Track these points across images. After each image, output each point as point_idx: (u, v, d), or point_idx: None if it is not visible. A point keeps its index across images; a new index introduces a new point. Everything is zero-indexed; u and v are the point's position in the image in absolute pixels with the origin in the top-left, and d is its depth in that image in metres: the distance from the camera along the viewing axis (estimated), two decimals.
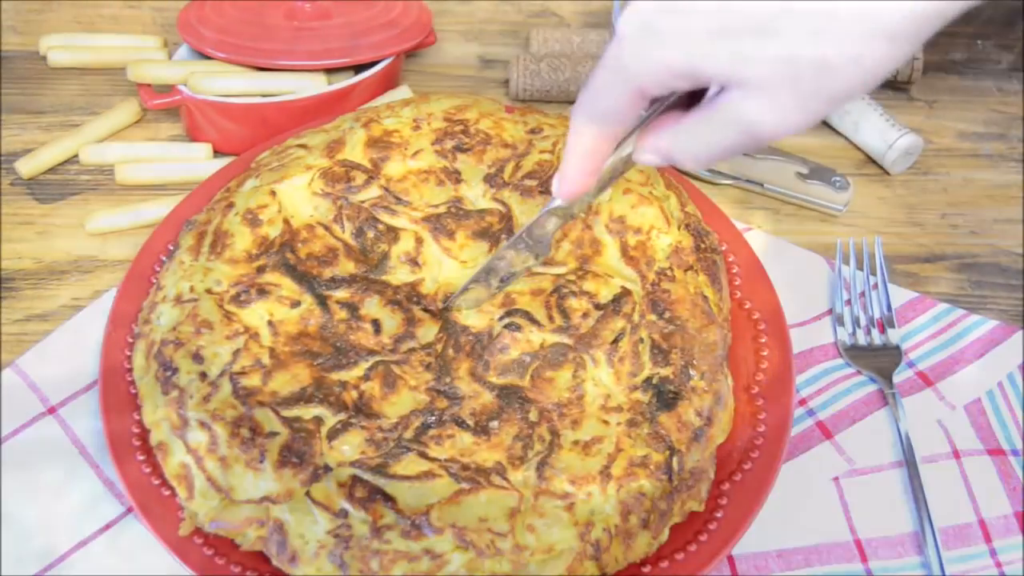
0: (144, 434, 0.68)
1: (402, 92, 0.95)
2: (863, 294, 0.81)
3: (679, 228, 0.77)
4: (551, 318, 0.72)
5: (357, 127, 0.83)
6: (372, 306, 0.73)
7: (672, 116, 0.58)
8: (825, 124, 0.99)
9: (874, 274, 0.82)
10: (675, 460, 0.65)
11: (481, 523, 0.61)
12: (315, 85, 0.91)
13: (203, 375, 0.68)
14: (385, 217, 0.78)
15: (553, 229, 0.70)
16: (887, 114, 0.95)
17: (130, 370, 0.71)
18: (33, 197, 0.90)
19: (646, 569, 0.63)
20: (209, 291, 0.73)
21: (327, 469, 0.64)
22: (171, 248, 0.79)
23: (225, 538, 0.63)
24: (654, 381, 0.69)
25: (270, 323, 0.71)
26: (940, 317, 0.80)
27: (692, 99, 0.58)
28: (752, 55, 0.50)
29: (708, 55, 0.51)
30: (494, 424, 0.67)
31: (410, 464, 0.64)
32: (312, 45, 0.92)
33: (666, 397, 0.68)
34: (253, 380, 0.68)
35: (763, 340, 0.75)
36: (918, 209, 0.92)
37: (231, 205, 0.78)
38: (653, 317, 0.72)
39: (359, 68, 0.94)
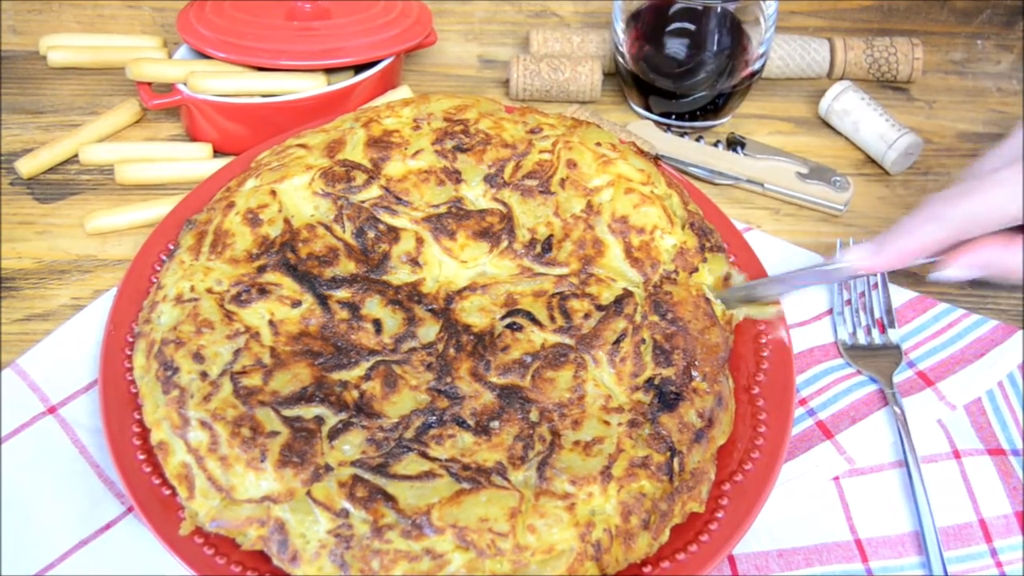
0: (144, 434, 0.68)
1: (402, 92, 0.95)
2: (863, 294, 0.81)
3: (683, 227, 0.77)
4: (552, 318, 0.72)
5: (357, 127, 0.83)
6: (373, 306, 0.73)
7: (995, 235, 0.65)
8: (825, 124, 0.99)
9: (874, 274, 0.82)
10: (676, 461, 0.65)
11: (482, 523, 0.61)
12: (315, 85, 0.91)
13: (204, 374, 0.68)
14: (386, 217, 0.78)
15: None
16: (887, 114, 0.95)
17: (130, 370, 0.71)
18: (33, 197, 0.90)
19: (647, 569, 0.63)
20: (210, 290, 0.73)
21: (328, 469, 0.64)
22: (171, 248, 0.79)
23: (226, 538, 0.63)
24: (656, 382, 0.69)
25: (271, 323, 0.71)
26: (940, 317, 0.80)
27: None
28: None
29: None
30: (495, 424, 0.67)
31: (411, 464, 0.64)
32: (312, 45, 0.92)
33: (668, 398, 0.68)
34: (254, 379, 0.68)
35: (763, 340, 0.75)
36: None
37: (231, 205, 0.78)
38: (655, 318, 0.72)
39: (359, 68, 0.94)
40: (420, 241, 0.77)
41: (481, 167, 0.81)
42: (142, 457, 0.67)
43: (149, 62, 0.92)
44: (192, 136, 0.95)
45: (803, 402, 0.75)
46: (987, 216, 0.64)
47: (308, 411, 0.67)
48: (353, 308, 0.73)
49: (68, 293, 0.83)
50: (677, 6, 0.91)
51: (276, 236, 0.76)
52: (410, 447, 0.65)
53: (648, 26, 0.94)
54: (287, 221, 0.77)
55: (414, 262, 0.76)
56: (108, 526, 0.68)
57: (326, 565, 0.61)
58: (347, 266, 0.75)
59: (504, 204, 0.79)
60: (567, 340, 0.71)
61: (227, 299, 0.72)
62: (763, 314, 0.76)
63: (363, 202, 0.79)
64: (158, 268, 0.78)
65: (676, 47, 0.93)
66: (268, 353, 0.69)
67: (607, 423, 0.67)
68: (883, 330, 0.79)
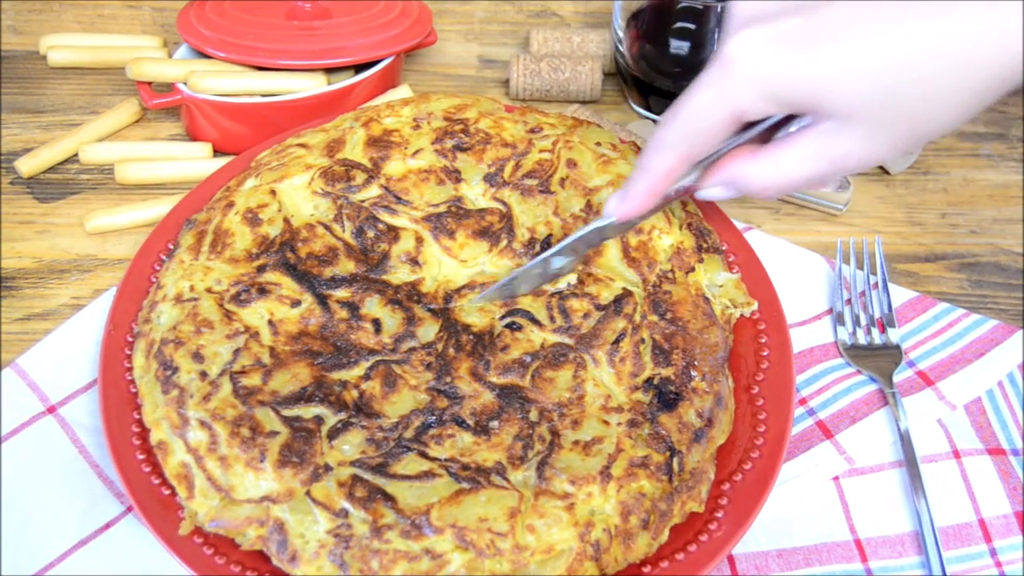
0: (144, 433, 0.68)
1: (402, 92, 0.95)
2: (863, 294, 0.81)
3: (680, 228, 0.77)
4: (552, 318, 0.72)
5: (357, 126, 0.83)
6: (372, 305, 0.73)
7: (745, 150, 0.61)
8: None
9: (874, 274, 0.82)
10: (675, 461, 0.65)
11: (481, 523, 0.61)
12: (315, 85, 0.91)
13: (203, 374, 0.68)
14: (385, 216, 0.78)
15: (581, 253, 0.73)
16: None
17: (130, 369, 0.71)
18: (33, 196, 0.90)
19: (646, 569, 0.63)
20: (209, 290, 0.73)
21: (327, 468, 0.64)
22: (171, 247, 0.79)
23: (225, 537, 0.63)
24: (655, 382, 0.69)
25: (270, 322, 0.71)
26: (940, 317, 0.80)
27: (763, 139, 0.61)
28: (856, 88, 0.53)
29: (816, 83, 0.54)
30: (494, 424, 0.67)
31: (410, 464, 0.64)
32: (312, 45, 0.92)
33: (667, 398, 0.68)
34: (253, 379, 0.68)
35: (763, 340, 0.75)
36: (918, 209, 0.92)
37: (231, 204, 0.78)
38: (655, 318, 0.72)
39: (359, 68, 0.94)
40: (420, 240, 0.77)
41: (481, 166, 0.81)
42: (141, 457, 0.67)
43: (149, 62, 0.92)
44: (192, 136, 0.95)
45: (803, 402, 0.75)
46: (699, 126, 0.59)
47: (307, 411, 0.67)
48: (352, 308, 0.73)
49: (68, 293, 0.83)
50: (678, 6, 0.91)
51: (276, 236, 0.76)
52: (409, 447, 0.65)
53: (648, 26, 0.94)
54: (287, 221, 0.77)
55: (414, 261, 0.76)
56: (107, 526, 0.68)
57: (325, 565, 0.61)
58: (347, 266, 0.75)
59: (504, 203, 0.79)
60: (567, 340, 0.71)
61: (227, 299, 0.72)
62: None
63: (363, 201, 0.79)
64: (158, 268, 0.78)
65: (676, 47, 0.93)
66: (267, 353, 0.69)
67: (606, 423, 0.67)
68: (883, 330, 0.79)
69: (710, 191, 0.64)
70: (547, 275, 0.74)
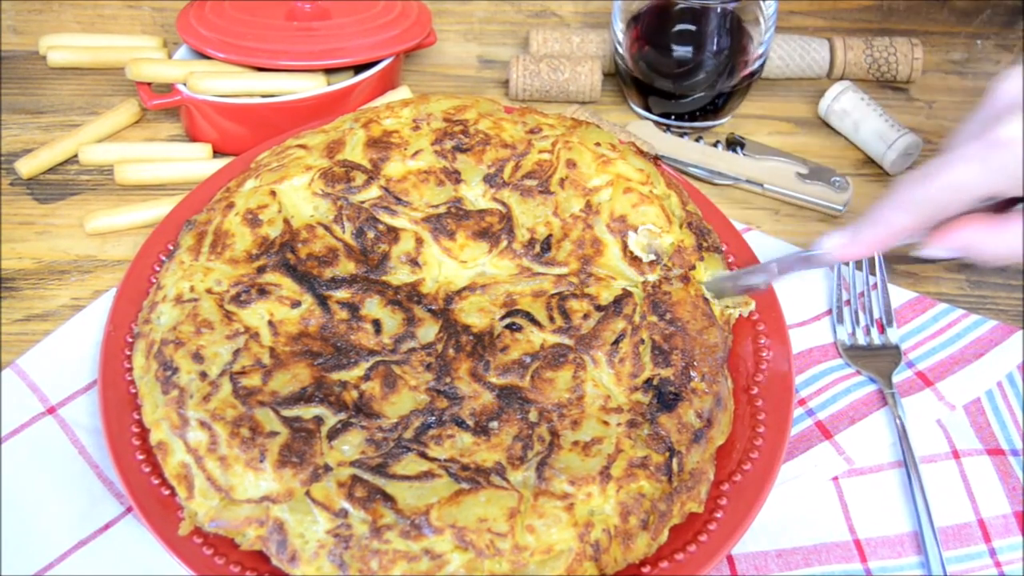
0: (144, 434, 0.68)
1: (402, 92, 0.96)
2: (863, 294, 0.81)
3: (681, 227, 0.77)
4: (552, 319, 0.72)
5: (357, 127, 0.83)
6: (372, 306, 0.73)
7: (976, 218, 0.63)
8: (825, 124, 0.99)
9: (873, 274, 0.82)
10: (675, 461, 0.65)
11: (481, 523, 0.61)
12: (315, 85, 0.91)
13: (203, 375, 0.68)
14: (385, 217, 0.78)
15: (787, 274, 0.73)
16: (887, 115, 0.95)
17: (130, 370, 0.71)
18: (33, 197, 0.90)
19: (646, 569, 0.63)
20: (209, 291, 0.73)
21: (327, 469, 0.64)
22: (171, 248, 0.79)
23: (225, 538, 0.63)
24: (655, 382, 0.69)
25: (270, 323, 0.71)
26: (940, 317, 0.80)
27: (992, 207, 0.63)
28: None
29: None
30: (494, 424, 0.67)
31: (410, 464, 0.64)
32: (312, 45, 0.92)
33: (666, 398, 0.68)
34: (253, 380, 0.68)
35: (763, 340, 0.75)
36: None
37: (231, 205, 0.78)
38: (654, 318, 0.72)
39: (359, 68, 0.94)
40: (420, 241, 0.77)
41: (480, 167, 0.81)
42: (141, 457, 0.67)
43: (149, 62, 0.92)
44: (192, 136, 0.95)
45: (802, 402, 0.75)
46: (953, 197, 0.61)
47: (307, 411, 0.67)
48: (352, 308, 0.73)
49: (68, 293, 0.83)
50: (676, 7, 0.91)
51: (276, 236, 0.76)
52: (409, 447, 0.65)
53: (648, 26, 0.94)
54: (287, 221, 0.77)
55: (414, 262, 0.76)
56: (107, 526, 0.68)
57: (325, 565, 0.61)
58: (347, 266, 0.75)
59: (503, 204, 0.79)
60: (566, 340, 0.72)
61: (227, 299, 0.72)
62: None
63: (363, 202, 0.79)
64: (158, 268, 0.78)
65: (676, 47, 0.93)
66: (267, 353, 0.69)
67: (606, 423, 0.67)
68: (882, 330, 0.79)
69: (937, 252, 0.65)
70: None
